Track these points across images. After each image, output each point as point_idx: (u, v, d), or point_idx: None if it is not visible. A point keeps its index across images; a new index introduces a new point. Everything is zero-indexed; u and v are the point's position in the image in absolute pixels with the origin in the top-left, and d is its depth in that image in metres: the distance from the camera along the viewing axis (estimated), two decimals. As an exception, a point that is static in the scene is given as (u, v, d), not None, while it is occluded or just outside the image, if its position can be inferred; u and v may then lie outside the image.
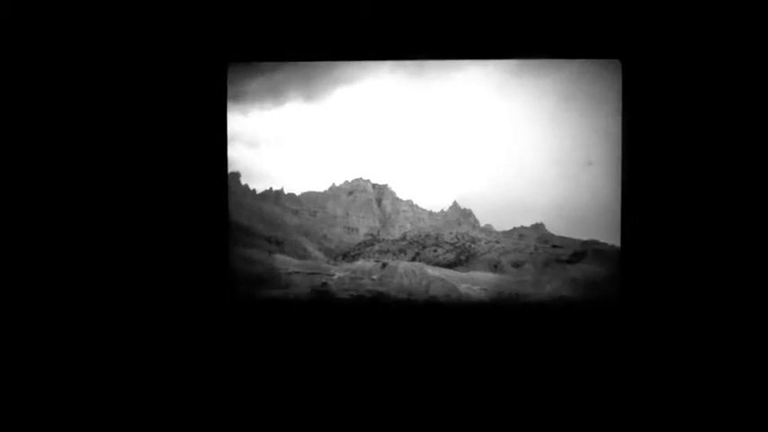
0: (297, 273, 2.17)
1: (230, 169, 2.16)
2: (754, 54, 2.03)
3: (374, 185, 2.25)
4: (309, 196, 2.23)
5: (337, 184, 2.22)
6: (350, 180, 2.23)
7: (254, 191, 2.22)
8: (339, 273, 2.18)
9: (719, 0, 2.02)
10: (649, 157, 2.05)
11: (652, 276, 2.05)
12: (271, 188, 2.18)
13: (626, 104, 2.04)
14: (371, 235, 2.29)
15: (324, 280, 2.15)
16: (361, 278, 2.18)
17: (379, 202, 2.28)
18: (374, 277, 2.18)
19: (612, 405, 2.05)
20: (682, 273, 2.05)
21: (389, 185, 2.24)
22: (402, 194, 2.25)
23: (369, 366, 2.08)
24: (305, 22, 2.08)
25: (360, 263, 2.19)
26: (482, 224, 2.28)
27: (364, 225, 2.28)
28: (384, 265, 2.17)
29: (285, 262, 2.18)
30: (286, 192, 2.20)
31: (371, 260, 2.21)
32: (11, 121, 2.07)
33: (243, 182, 2.20)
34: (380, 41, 2.07)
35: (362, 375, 2.08)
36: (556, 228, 2.25)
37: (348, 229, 2.28)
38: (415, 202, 2.27)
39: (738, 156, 2.03)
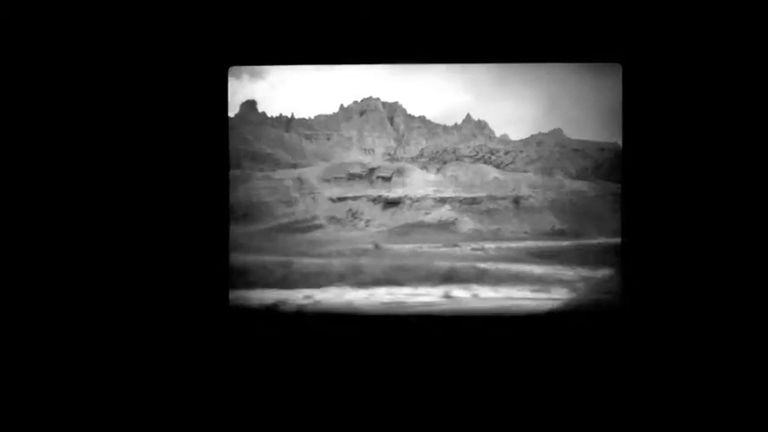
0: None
1: (245, 98, 2.19)
2: (755, 57, 2.01)
3: (384, 104, 2.23)
4: (321, 120, 2.24)
5: (346, 105, 2.22)
6: (359, 100, 2.21)
7: (271, 118, 2.25)
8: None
9: (720, 3, 2.00)
10: (650, 160, 2.04)
11: (653, 278, 2.06)
12: (281, 114, 2.21)
13: (626, 108, 2.03)
14: (389, 154, 2.29)
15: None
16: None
17: (391, 120, 2.26)
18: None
19: (613, 408, 2.05)
20: (683, 273, 2.04)
21: (400, 102, 2.21)
22: (413, 111, 2.22)
23: (369, 372, 2.11)
24: (305, 25, 2.03)
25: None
26: (497, 135, 2.23)
27: (380, 145, 2.28)
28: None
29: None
30: (297, 117, 2.23)
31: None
32: (11, 121, 2.08)
33: (260, 109, 2.23)
34: (381, 44, 2.02)
35: (363, 382, 2.11)
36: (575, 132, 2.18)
37: (364, 150, 2.28)
38: (427, 118, 2.23)
39: (739, 158, 2.02)
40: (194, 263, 2.09)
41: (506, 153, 2.26)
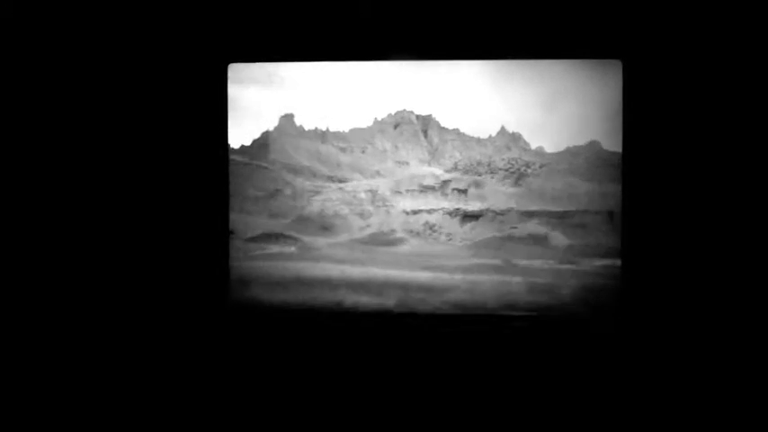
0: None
1: (283, 112, 2.25)
2: (756, 54, 1.99)
3: (418, 117, 2.25)
4: (356, 132, 2.28)
5: (379, 119, 2.24)
6: (393, 113, 2.24)
7: (308, 132, 2.30)
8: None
9: (721, 0, 1.99)
10: (651, 158, 2.03)
11: (654, 277, 2.05)
12: (316, 128, 2.26)
13: (627, 105, 2.02)
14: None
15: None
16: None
17: (425, 133, 2.28)
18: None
19: (613, 407, 2.06)
20: (683, 274, 2.04)
21: (433, 115, 2.23)
22: (447, 123, 2.23)
23: (373, 374, 2.16)
24: (305, 22, 2.07)
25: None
26: (533, 147, 2.21)
27: (414, 157, 2.30)
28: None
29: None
30: (332, 130, 2.27)
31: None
32: (11, 120, 2.11)
33: (297, 123, 2.28)
34: (381, 41, 2.06)
35: (365, 383, 2.15)
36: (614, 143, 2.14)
37: (399, 162, 2.31)
38: (461, 131, 2.24)
39: (741, 157, 2.01)
40: (194, 260, 2.13)
41: (541, 166, 2.24)
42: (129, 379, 2.15)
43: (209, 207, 2.17)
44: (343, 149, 2.28)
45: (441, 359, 2.18)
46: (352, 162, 2.31)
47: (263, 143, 2.27)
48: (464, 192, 2.27)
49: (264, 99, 2.21)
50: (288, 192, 2.29)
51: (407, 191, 2.28)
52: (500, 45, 2.07)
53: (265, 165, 2.28)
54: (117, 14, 2.10)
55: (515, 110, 2.15)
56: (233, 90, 2.18)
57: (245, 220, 2.27)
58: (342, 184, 2.29)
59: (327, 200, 2.29)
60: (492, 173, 2.29)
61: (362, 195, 2.29)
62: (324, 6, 2.09)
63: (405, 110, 2.22)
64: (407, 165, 2.30)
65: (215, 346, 2.19)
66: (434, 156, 2.28)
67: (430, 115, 2.22)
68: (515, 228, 2.25)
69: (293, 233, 2.28)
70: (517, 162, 2.27)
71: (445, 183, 2.28)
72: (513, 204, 2.25)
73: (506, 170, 2.28)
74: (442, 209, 2.28)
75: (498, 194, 2.26)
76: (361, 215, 2.29)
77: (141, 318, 2.17)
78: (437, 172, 2.28)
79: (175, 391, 2.15)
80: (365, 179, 2.28)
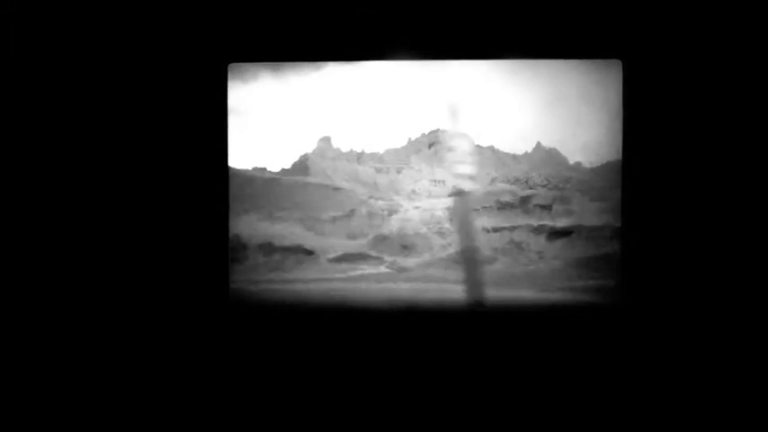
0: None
1: (321, 134, 2.29)
2: (756, 54, 1.98)
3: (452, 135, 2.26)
4: (391, 153, 2.30)
5: (413, 138, 2.26)
6: (427, 132, 2.25)
7: (345, 153, 2.33)
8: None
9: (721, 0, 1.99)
10: (650, 157, 2.03)
11: (654, 278, 2.04)
12: (351, 149, 2.29)
13: (627, 105, 2.02)
14: (455, 185, 2.30)
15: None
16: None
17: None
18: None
19: (612, 407, 2.05)
20: (684, 274, 2.04)
21: (468, 134, 2.23)
22: (482, 141, 2.23)
23: (376, 372, 2.15)
24: (305, 22, 2.09)
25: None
26: (571, 162, 2.19)
27: (450, 176, 2.30)
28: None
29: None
30: (368, 152, 2.30)
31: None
32: (11, 120, 2.12)
33: (335, 145, 2.32)
34: (381, 41, 2.08)
35: (368, 381, 2.15)
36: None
37: (434, 181, 2.31)
38: (496, 147, 2.23)
39: (740, 156, 2.00)
40: (193, 260, 2.13)
41: (580, 181, 2.21)
42: (130, 377, 2.15)
43: (208, 208, 2.16)
44: (378, 170, 2.31)
45: (441, 357, 2.16)
46: (388, 182, 2.33)
47: (301, 165, 2.31)
48: (548, 207, 2.24)
49: (298, 121, 2.25)
50: (363, 211, 2.30)
51: (484, 208, 2.26)
52: (500, 45, 2.07)
53: (340, 185, 2.31)
54: (115, 15, 2.11)
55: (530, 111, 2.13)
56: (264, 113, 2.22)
57: (323, 241, 2.28)
58: (418, 203, 2.27)
59: (405, 219, 2.28)
60: (531, 188, 2.26)
61: (440, 213, 2.26)
62: (324, 6, 2.10)
63: (439, 129, 2.23)
64: (443, 183, 2.30)
65: (219, 345, 2.21)
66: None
67: (465, 134, 2.23)
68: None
69: (374, 253, 2.28)
70: (554, 179, 2.24)
71: (525, 199, 2.25)
72: (607, 220, 2.17)
73: (544, 186, 2.26)
74: (526, 225, 2.25)
75: (587, 210, 2.20)
76: (441, 233, 2.26)
77: (142, 319, 2.17)
78: (514, 189, 2.25)
79: (180, 388, 2.15)
80: (436, 198, 2.26)
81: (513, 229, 2.25)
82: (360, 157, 2.30)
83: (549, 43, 2.05)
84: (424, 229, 2.27)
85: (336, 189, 2.32)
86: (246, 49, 2.12)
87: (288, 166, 2.29)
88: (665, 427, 2.01)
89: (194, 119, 2.12)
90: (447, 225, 2.27)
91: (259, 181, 2.28)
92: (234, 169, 2.24)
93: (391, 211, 2.29)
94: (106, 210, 2.13)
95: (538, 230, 2.23)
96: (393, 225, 2.29)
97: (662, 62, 2.01)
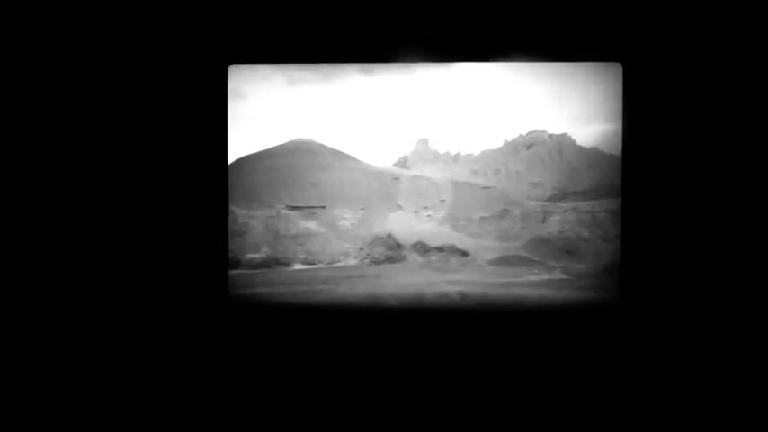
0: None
1: (420, 136, 2.30)
2: (756, 57, 2.01)
3: (551, 135, 2.19)
4: (488, 154, 2.27)
5: (510, 140, 2.22)
6: (524, 134, 2.20)
7: (442, 155, 2.34)
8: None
9: (721, 3, 2.01)
10: (650, 160, 2.05)
11: (653, 280, 2.06)
12: (447, 151, 2.29)
13: (627, 108, 2.03)
14: (558, 188, 2.23)
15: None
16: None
17: (560, 153, 2.21)
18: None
19: (612, 406, 2.04)
20: (683, 275, 2.05)
21: (569, 134, 2.15)
22: (584, 142, 2.14)
23: (374, 373, 2.13)
24: (305, 23, 2.10)
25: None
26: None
27: (549, 179, 2.23)
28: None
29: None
30: (463, 154, 2.29)
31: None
32: (11, 121, 2.14)
33: (432, 147, 2.34)
34: (382, 42, 2.07)
35: (367, 382, 2.12)
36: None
37: (533, 184, 2.26)
38: (600, 149, 2.13)
39: (740, 158, 2.03)
40: (194, 264, 2.14)
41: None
42: (130, 377, 2.16)
43: (209, 207, 2.17)
44: (475, 172, 2.29)
45: (441, 357, 2.14)
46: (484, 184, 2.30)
47: (401, 165, 2.34)
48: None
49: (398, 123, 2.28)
50: (516, 212, 2.26)
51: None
52: (500, 47, 2.08)
53: (491, 184, 2.27)
54: (115, 17, 2.13)
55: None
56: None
57: (475, 242, 2.22)
58: (576, 203, 2.15)
59: (565, 221, 2.19)
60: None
61: (602, 215, 2.15)
62: (324, 7, 2.11)
63: (537, 129, 2.17)
64: (542, 185, 2.24)
65: (218, 346, 2.20)
66: (571, 177, 2.20)
67: (565, 134, 2.15)
68: None
69: (535, 257, 2.20)
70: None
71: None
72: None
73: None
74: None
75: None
76: (605, 238, 2.14)
77: (143, 320, 2.19)
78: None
79: (183, 388, 2.16)
80: (602, 198, 2.12)
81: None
82: (455, 159, 2.30)
83: (548, 46, 2.06)
84: (585, 233, 2.17)
85: (486, 188, 2.27)
86: (247, 51, 2.14)
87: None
88: (665, 426, 2.02)
89: (195, 120, 2.15)
90: (612, 229, 2.12)
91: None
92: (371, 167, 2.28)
93: (547, 213, 2.20)
94: (105, 210, 2.17)
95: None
96: (552, 227, 2.19)
97: (662, 65, 2.05)
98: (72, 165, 2.15)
